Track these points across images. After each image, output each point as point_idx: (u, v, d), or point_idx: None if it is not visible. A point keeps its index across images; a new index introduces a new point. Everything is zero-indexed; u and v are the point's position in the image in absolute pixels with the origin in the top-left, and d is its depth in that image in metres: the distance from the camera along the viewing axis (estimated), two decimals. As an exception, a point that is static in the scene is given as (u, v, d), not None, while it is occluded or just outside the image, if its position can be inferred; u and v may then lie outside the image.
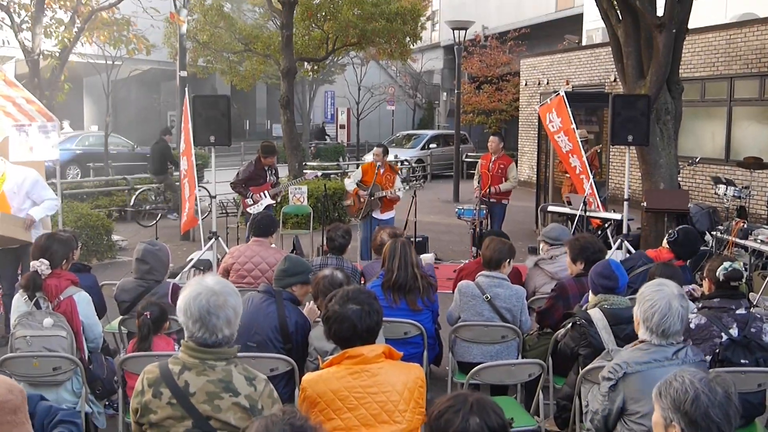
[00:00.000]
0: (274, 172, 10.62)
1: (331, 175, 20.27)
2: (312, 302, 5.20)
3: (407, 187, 11.03)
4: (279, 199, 10.74)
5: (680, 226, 6.77)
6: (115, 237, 12.26)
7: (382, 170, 10.47)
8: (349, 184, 10.82)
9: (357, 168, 11.16)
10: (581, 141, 10.95)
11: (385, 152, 10.79)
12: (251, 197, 10.32)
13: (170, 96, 33.61)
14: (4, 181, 7.08)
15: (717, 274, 4.86)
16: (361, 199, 10.51)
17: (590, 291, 5.09)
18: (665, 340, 3.70)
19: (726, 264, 4.88)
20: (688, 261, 9.24)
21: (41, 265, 5.00)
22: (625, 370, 3.67)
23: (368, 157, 22.53)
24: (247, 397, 3.13)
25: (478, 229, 11.18)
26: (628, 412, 3.65)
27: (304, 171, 12.22)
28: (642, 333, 3.77)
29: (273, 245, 6.99)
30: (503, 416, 2.62)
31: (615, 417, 3.73)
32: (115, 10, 12.39)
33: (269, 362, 4.52)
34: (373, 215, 10.51)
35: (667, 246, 6.44)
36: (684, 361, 3.64)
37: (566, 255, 6.13)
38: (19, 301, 5.00)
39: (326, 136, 34.51)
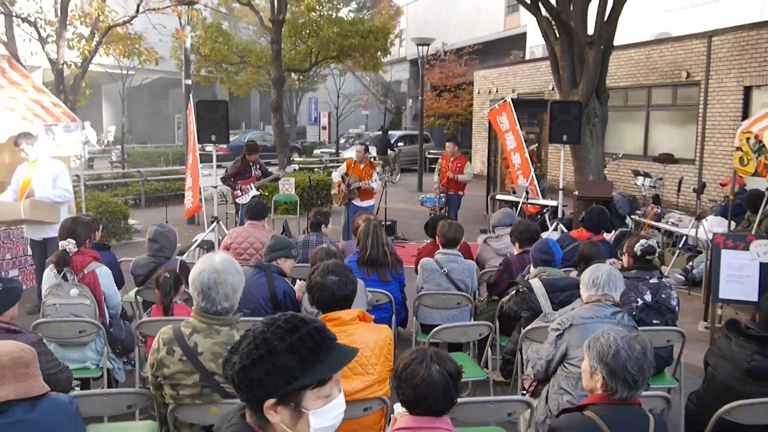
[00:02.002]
0: (258, 166, 10.53)
1: (315, 169, 20.23)
2: (301, 281, 5.21)
3: (381, 181, 11.11)
4: (263, 191, 10.69)
5: (591, 208, 6.89)
6: (131, 221, 12.17)
7: (362, 165, 10.57)
8: (336, 176, 10.94)
9: (342, 164, 11.20)
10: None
11: (366, 150, 10.87)
12: (240, 189, 10.26)
13: (177, 101, 33.29)
14: (35, 165, 7.05)
15: (635, 249, 4.97)
16: (343, 191, 10.60)
17: (531, 264, 5.16)
18: (603, 294, 3.84)
19: (642, 241, 4.97)
20: (612, 239, 9.43)
21: (68, 244, 4.97)
22: (571, 322, 3.75)
23: (349, 153, 22.48)
24: None
25: (438, 214, 11.26)
26: (569, 357, 3.72)
27: (288, 166, 12.14)
28: (585, 292, 3.93)
29: (266, 227, 6.98)
30: (456, 364, 2.72)
31: (557, 362, 3.80)
32: (129, 26, 12.23)
33: (262, 325, 4.52)
34: (353, 203, 10.59)
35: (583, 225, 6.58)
36: (620, 323, 3.72)
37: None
38: (49, 275, 4.97)
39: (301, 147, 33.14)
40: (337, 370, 1.86)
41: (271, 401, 1.75)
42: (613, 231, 9.99)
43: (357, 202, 10.57)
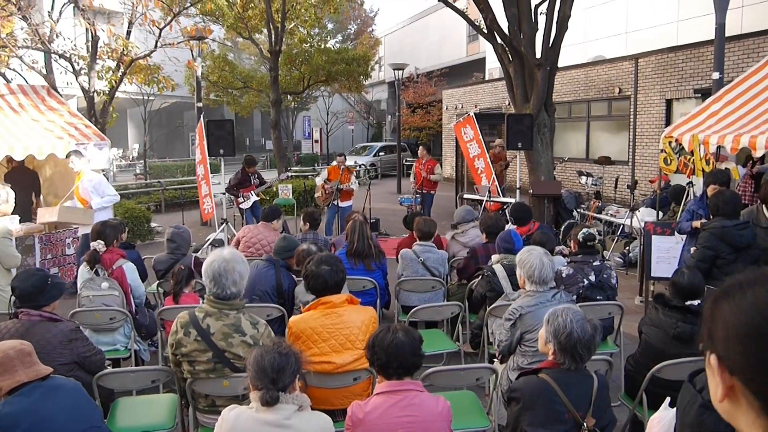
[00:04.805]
0: (257, 176, 10.48)
1: (309, 176, 20.14)
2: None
3: (358, 183, 11.11)
4: (262, 196, 10.61)
5: (513, 204, 6.77)
6: (152, 224, 12.06)
7: (341, 171, 10.53)
8: (318, 180, 10.89)
9: (324, 170, 11.16)
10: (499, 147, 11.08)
11: (344, 159, 10.83)
12: (242, 195, 10.20)
13: (190, 121, 33.00)
14: (80, 178, 7.16)
15: (578, 237, 4.98)
16: (326, 192, 10.54)
17: (496, 252, 5.15)
18: (546, 286, 3.77)
19: (583, 230, 4.99)
20: (561, 230, 9.44)
21: (98, 245, 4.92)
22: (520, 312, 3.72)
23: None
24: (251, 337, 3.12)
25: (414, 211, 11.22)
26: (524, 340, 3.71)
27: (283, 173, 12.09)
28: (528, 287, 3.82)
29: (276, 228, 6.80)
30: (416, 333, 2.80)
31: (515, 344, 3.78)
32: (149, 58, 12.15)
33: (266, 310, 4.50)
34: (334, 203, 10.53)
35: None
36: (560, 301, 3.69)
37: (476, 228, 6.21)
38: (83, 271, 4.91)
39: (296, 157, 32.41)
40: None
41: None
42: (563, 223, 10.04)
43: (338, 202, 10.53)
